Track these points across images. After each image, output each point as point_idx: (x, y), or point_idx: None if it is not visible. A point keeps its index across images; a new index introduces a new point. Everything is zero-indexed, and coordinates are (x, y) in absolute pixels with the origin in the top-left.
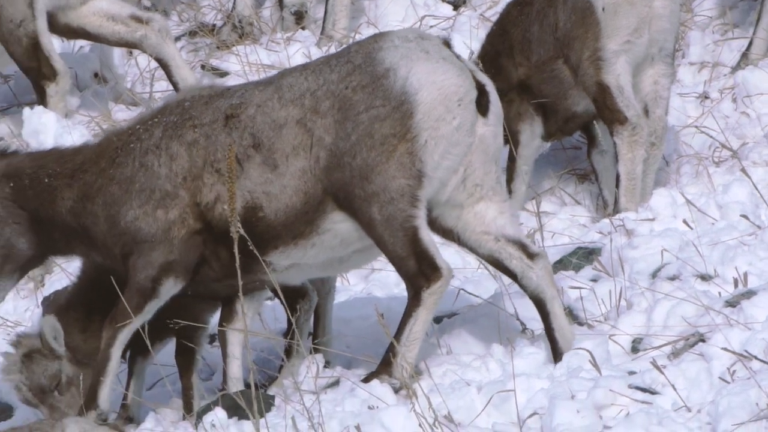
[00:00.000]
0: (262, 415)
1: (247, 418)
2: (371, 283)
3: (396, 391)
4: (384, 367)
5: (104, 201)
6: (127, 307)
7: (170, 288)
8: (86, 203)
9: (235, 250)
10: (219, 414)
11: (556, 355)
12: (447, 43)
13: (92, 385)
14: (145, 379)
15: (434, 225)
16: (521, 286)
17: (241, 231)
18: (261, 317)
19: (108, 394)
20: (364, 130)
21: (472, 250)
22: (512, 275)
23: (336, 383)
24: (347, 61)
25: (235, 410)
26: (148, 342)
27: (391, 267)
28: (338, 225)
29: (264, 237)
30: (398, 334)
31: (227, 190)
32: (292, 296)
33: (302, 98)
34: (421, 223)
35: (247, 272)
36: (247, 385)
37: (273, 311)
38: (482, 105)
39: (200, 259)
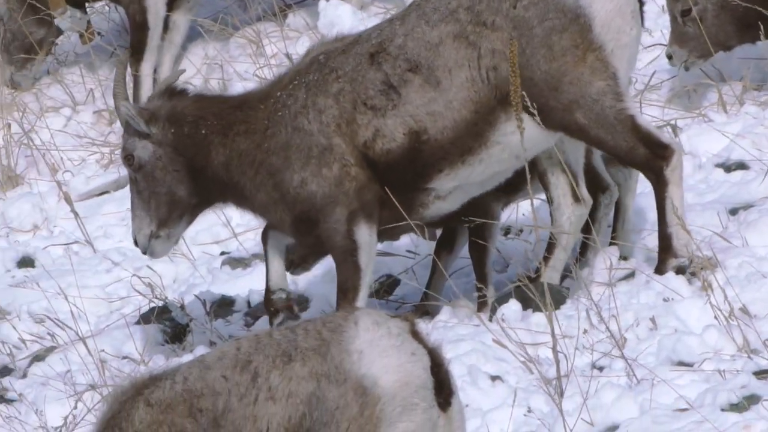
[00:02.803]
0: (556, 308)
1: (540, 311)
2: None
3: (684, 274)
4: (666, 253)
5: (268, 171)
6: (348, 280)
7: (366, 233)
8: (247, 169)
9: (521, 133)
10: (512, 306)
11: None
12: None
13: None
14: (448, 274)
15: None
16: None
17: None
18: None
19: None
20: (540, 42)
21: None
22: None
23: (631, 275)
24: None
25: (528, 302)
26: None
27: None
28: (508, 137)
29: (429, 161)
30: (662, 219)
31: (511, 82)
32: (593, 189)
33: (455, 14)
34: (635, 110)
35: (410, 207)
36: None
37: None
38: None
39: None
